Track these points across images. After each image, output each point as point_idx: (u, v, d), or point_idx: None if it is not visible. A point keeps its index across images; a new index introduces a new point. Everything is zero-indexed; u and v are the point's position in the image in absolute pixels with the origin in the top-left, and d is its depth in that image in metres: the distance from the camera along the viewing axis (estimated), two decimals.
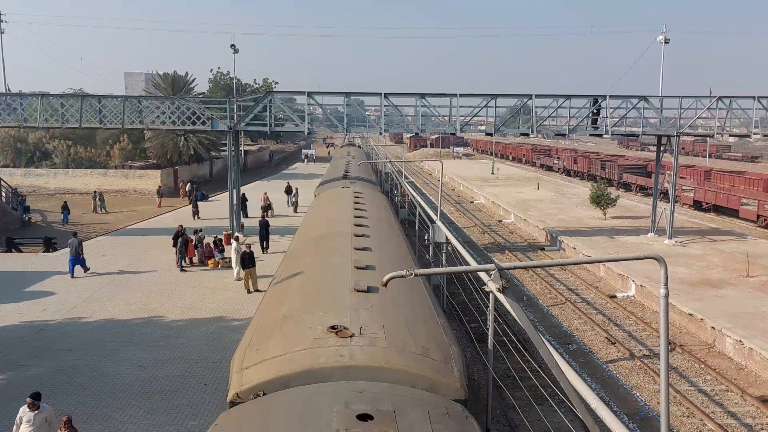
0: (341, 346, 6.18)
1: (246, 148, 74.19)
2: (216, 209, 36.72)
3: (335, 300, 7.63)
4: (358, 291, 7.81)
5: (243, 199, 33.86)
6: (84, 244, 27.90)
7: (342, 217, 14.19)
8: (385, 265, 9.61)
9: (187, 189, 46.27)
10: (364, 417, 4.48)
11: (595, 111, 27.94)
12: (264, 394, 5.59)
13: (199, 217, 34.68)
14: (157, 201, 43.11)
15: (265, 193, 36.76)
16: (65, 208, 36.34)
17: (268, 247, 26.46)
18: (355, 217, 13.92)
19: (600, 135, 29.44)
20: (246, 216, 33.91)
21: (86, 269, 22.31)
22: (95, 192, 41.78)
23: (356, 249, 10.38)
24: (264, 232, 26.52)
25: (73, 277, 21.71)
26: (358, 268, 9.01)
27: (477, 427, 5.14)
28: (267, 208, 34.57)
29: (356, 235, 11.56)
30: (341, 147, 72.84)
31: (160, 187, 46.41)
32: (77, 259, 21.95)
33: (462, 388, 5.96)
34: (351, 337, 6.35)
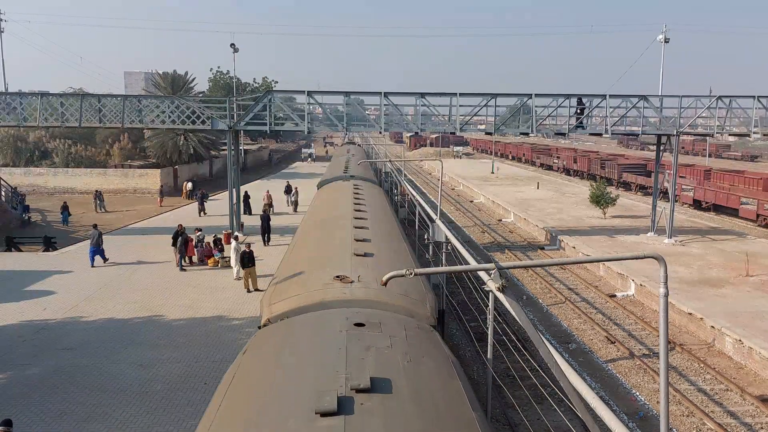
0: (344, 287, 8.15)
1: (246, 147, 74.15)
2: (220, 207, 36.87)
3: (339, 261, 9.63)
4: (357, 255, 9.86)
5: (246, 197, 35.25)
6: (85, 243, 27.94)
7: (343, 203, 16.18)
8: (378, 238, 11.92)
9: (188, 188, 46.31)
10: (359, 324, 6.18)
11: (579, 111, 27.92)
12: (288, 318, 7.30)
13: (205, 214, 35.63)
14: (159, 200, 43.20)
15: (268, 191, 37.39)
16: (65, 209, 35.95)
17: (269, 239, 27.64)
18: (354, 203, 15.84)
19: (599, 134, 29.43)
20: (249, 213, 34.66)
21: (105, 259, 23.64)
22: (96, 191, 41.77)
23: (355, 228, 12.34)
24: (266, 225, 27.73)
25: (93, 266, 23.11)
26: (357, 240, 11.09)
27: (440, 339, 6.87)
28: (269, 205, 35.11)
29: (355, 218, 13.60)
30: (341, 145, 73.30)
31: (162, 186, 46.58)
32: (98, 249, 23.43)
33: (432, 317, 7.86)
34: (351, 283, 8.33)
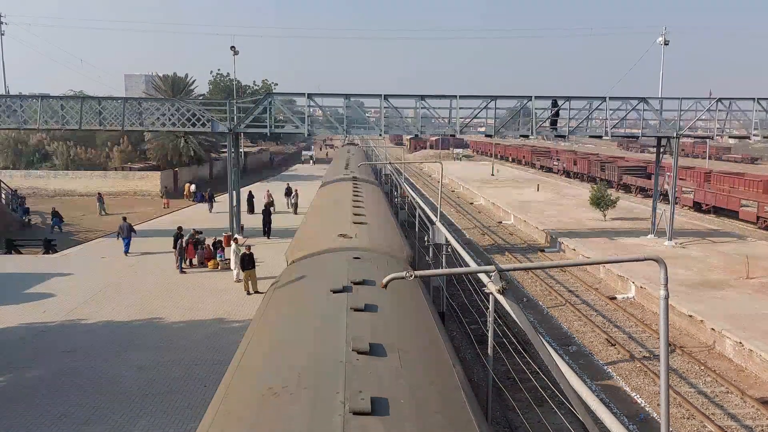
0: (345, 241, 11.22)
1: (246, 149, 74.18)
2: (223, 208, 37.25)
3: (342, 226, 12.74)
4: (355, 223, 13.13)
5: (250, 197, 37.48)
6: (85, 245, 28.03)
7: (344, 194, 19.02)
8: (371, 213, 15.33)
9: (191, 190, 46.29)
10: (356, 258, 9.37)
11: (554, 113, 27.79)
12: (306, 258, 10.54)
13: (212, 210, 38.03)
14: (165, 201, 43.39)
15: (268, 190, 38.99)
16: (56, 215, 33.86)
17: (270, 231, 29.84)
18: (354, 193, 18.84)
19: (599, 136, 29.44)
20: (252, 212, 35.86)
21: (126, 251, 25.58)
22: (99, 194, 41.79)
23: (354, 206, 15.69)
24: (267, 219, 29.95)
25: (126, 254, 25.44)
26: (355, 214, 14.36)
27: (410, 267, 10.18)
28: (270, 204, 35.81)
29: (354, 200, 16.97)
30: (342, 146, 74.27)
31: (166, 187, 46.97)
32: (128, 240, 25.80)
33: (407, 257, 11.53)
34: (351, 238, 11.44)
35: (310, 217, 16.99)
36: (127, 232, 25.69)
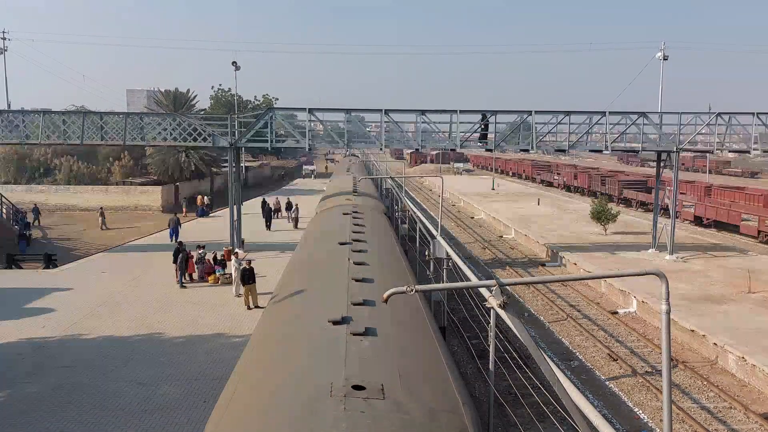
0: (349, 202, 20.91)
1: (247, 164, 74.34)
2: (247, 210, 39.14)
3: (347, 196, 22.47)
4: (355, 195, 22.89)
5: (264, 203, 40.40)
6: (86, 259, 28.01)
7: (346, 188, 26.03)
8: (364, 195, 23.83)
9: (205, 202, 46.39)
10: (354, 207, 19.04)
11: (483, 126, 27.84)
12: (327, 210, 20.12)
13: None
14: (183, 210, 45.29)
15: (277, 198, 43.84)
16: (23, 237, 32.54)
17: (270, 226, 36.20)
18: (353, 190, 25.02)
19: (600, 151, 29.50)
20: (264, 216, 37.89)
21: (175, 239, 30.58)
22: (101, 209, 41.89)
23: (354, 195, 23.25)
24: (268, 216, 36.82)
25: (171, 241, 30.60)
26: (354, 193, 23.43)
27: (384, 215, 21.56)
28: (277, 210, 40.01)
29: (353, 192, 24.36)
30: (344, 156, 76.93)
31: (186, 198, 50.02)
32: (176, 230, 32.55)
33: (383, 210, 22.85)
34: (352, 201, 20.81)
35: (327, 199, 24.96)
36: (174, 225, 32.86)
